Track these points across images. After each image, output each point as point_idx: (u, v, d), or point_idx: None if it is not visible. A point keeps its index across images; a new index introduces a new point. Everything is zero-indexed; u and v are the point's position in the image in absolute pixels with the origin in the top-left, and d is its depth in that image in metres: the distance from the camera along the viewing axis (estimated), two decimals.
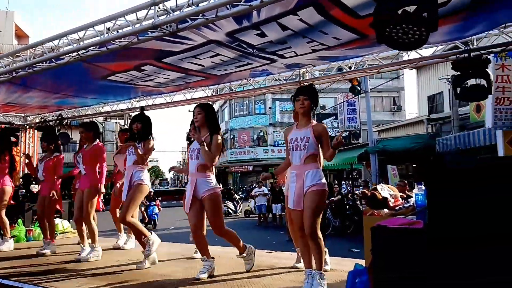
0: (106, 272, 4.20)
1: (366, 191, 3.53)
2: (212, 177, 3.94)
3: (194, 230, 3.86)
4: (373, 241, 2.33)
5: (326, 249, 3.90)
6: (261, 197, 15.91)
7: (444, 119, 15.72)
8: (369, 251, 3.20)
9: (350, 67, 5.31)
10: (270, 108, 35.51)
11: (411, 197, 3.36)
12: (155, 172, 76.75)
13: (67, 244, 5.97)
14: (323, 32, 3.80)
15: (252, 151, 36.69)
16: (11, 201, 5.94)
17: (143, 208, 13.13)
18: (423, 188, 2.82)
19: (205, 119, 3.91)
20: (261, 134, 37.05)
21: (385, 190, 3.40)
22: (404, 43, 2.86)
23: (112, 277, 4.00)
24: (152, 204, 13.73)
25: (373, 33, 3.74)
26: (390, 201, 3.31)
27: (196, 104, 4.16)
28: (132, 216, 4.40)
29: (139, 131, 4.49)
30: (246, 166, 37.36)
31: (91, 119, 7.50)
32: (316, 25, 3.63)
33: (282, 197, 14.82)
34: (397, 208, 3.26)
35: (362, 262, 3.57)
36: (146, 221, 13.04)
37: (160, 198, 16.45)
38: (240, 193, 34.42)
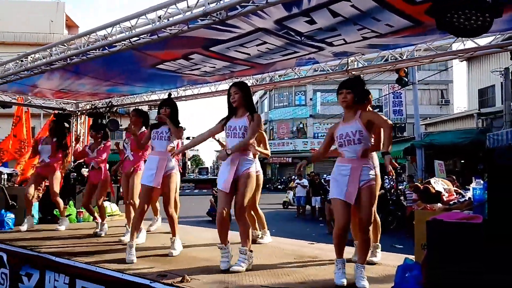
0: (152, 255, 4.34)
1: (419, 185, 3.40)
2: (253, 158, 3.87)
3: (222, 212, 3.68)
4: (429, 235, 2.25)
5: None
6: (301, 188, 15.84)
7: (495, 114, 14.96)
8: (420, 245, 3.12)
9: (401, 56, 5.12)
10: (310, 99, 35.14)
11: (467, 190, 3.21)
12: (196, 161, 78.36)
13: (115, 226, 6.21)
14: (376, 19, 3.67)
15: (291, 143, 36.56)
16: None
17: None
18: (482, 182, 2.69)
19: (243, 99, 3.80)
20: (301, 126, 36.79)
21: (439, 184, 3.26)
22: (466, 29, 2.71)
23: (158, 259, 4.12)
24: None
25: (428, 20, 3.60)
26: (444, 195, 3.18)
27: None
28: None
29: (169, 116, 4.41)
30: (285, 158, 37.30)
31: (137, 107, 7.71)
32: (368, 12, 3.51)
33: (321, 191, 14.75)
34: (451, 202, 3.12)
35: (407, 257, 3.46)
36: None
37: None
38: (278, 184, 34.50)
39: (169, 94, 4.96)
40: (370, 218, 3.23)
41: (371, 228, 3.30)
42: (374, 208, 3.36)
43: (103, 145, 5.86)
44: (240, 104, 3.80)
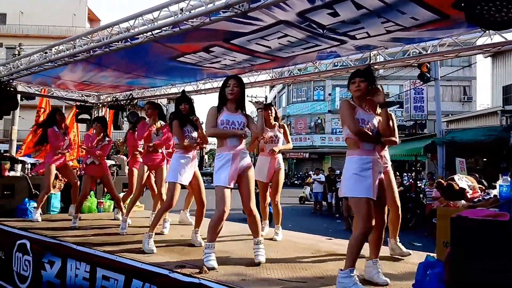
0: (172, 244, 4.39)
1: (442, 181, 3.33)
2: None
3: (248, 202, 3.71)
4: (453, 232, 2.20)
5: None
6: (318, 184, 15.78)
7: None
8: (442, 243, 3.06)
9: (425, 50, 5.00)
10: (329, 94, 34.82)
11: (492, 188, 3.13)
12: (213, 155, 78.70)
13: (136, 217, 6.29)
14: (401, 12, 3.60)
15: (308, 138, 36.37)
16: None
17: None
18: (509, 179, 2.61)
19: (240, 94, 3.73)
20: (319, 121, 36.53)
21: (463, 181, 3.18)
22: (497, 22, 2.62)
23: (177, 250, 4.16)
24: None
25: (455, 13, 3.50)
26: (468, 192, 3.10)
27: (231, 75, 3.94)
28: None
29: (189, 112, 4.42)
30: (302, 153, 37.14)
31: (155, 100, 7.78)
32: (394, 4, 3.44)
33: (333, 187, 14.71)
34: (475, 200, 3.04)
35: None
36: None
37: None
38: (295, 179, 34.40)
39: (183, 91, 4.98)
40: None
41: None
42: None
43: (107, 142, 5.94)
44: (236, 98, 3.74)
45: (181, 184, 4.29)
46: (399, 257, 4.03)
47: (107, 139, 5.97)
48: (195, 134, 4.43)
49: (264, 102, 3.91)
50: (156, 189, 5.56)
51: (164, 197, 4.88)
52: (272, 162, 4.87)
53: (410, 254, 4.05)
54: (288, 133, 5.11)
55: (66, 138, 6.07)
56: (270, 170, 4.88)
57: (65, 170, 6.21)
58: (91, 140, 5.79)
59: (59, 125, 6.01)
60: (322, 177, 15.93)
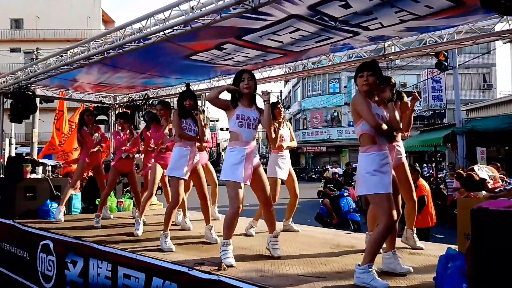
0: (191, 242, 4.43)
1: (462, 172, 3.26)
2: None
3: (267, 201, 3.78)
4: (473, 224, 2.15)
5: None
6: None
7: None
8: (463, 235, 3.00)
9: (441, 38, 4.89)
10: (345, 87, 34.51)
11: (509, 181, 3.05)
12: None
13: (153, 215, 6.37)
14: (415, 0, 3.52)
15: (325, 132, 36.19)
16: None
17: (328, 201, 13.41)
18: None
19: (254, 89, 3.73)
20: (335, 114, 36.29)
21: (483, 171, 3.11)
22: None
23: (196, 247, 4.19)
24: None
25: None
26: (489, 182, 3.03)
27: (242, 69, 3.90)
28: None
29: (192, 108, 4.41)
30: (319, 147, 36.97)
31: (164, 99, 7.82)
32: None
33: (350, 181, 14.61)
34: (496, 190, 2.97)
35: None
36: None
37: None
38: (312, 174, 34.28)
39: (188, 85, 4.95)
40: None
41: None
42: None
43: (135, 136, 6.04)
44: (251, 92, 3.70)
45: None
46: (410, 248, 4.04)
47: (134, 132, 6.06)
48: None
49: (271, 92, 3.83)
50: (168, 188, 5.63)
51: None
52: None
53: (422, 248, 4.01)
54: (292, 130, 5.22)
55: (96, 136, 6.19)
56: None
57: (98, 171, 6.33)
58: (120, 137, 5.92)
59: (87, 125, 6.17)
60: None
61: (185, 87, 4.72)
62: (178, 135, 4.33)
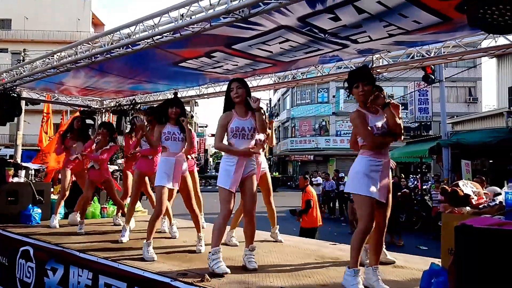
0: (175, 252, 4.36)
1: (446, 187, 3.28)
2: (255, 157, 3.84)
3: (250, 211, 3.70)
4: (457, 241, 2.15)
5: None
6: (315, 187, 15.72)
7: None
8: (447, 250, 3.01)
9: (429, 53, 4.96)
10: (333, 96, 34.76)
11: (498, 194, 3.07)
12: (218, 158, 78.82)
13: (137, 221, 6.27)
14: (403, 15, 3.56)
15: (313, 140, 36.33)
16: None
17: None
18: None
19: (245, 96, 3.65)
20: (323, 123, 36.49)
21: (467, 187, 3.14)
22: (500, 26, 2.58)
23: (179, 257, 4.13)
24: None
25: (458, 16, 3.47)
26: (473, 198, 3.05)
27: (233, 78, 3.87)
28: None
29: (179, 116, 4.29)
30: (307, 155, 37.08)
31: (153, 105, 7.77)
32: (395, 8, 3.41)
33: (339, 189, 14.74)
34: (481, 206, 2.99)
35: (433, 261, 3.37)
36: None
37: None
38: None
39: (176, 93, 4.93)
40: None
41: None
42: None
43: (109, 147, 5.83)
44: (243, 100, 3.65)
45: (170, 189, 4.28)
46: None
47: (110, 144, 5.91)
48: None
49: (260, 99, 3.81)
50: (152, 195, 5.57)
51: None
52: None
53: (394, 262, 3.93)
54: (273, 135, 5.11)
55: (77, 144, 6.09)
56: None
57: (80, 177, 6.24)
58: (88, 145, 5.81)
59: (73, 131, 6.15)
60: (318, 179, 15.89)
61: (173, 95, 4.67)
62: (154, 145, 4.38)
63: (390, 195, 3.16)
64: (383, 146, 3.14)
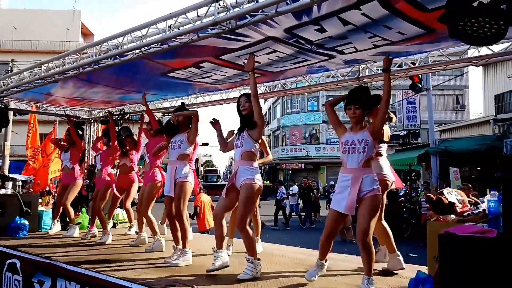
0: (162, 263, 4.33)
1: (431, 195, 3.33)
2: (255, 168, 3.85)
3: (216, 214, 3.89)
4: (441, 249, 2.18)
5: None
6: (291, 197, 15.80)
7: None
8: (433, 258, 3.05)
9: (413, 63, 5.04)
10: (323, 105, 34.87)
11: (481, 202, 3.12)
12: (208, 166, 78.62)
13: (121, 233, 6.24)
14: (387, 27, 3.63)
15: (303, 149, 36.45)
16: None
17: None
18: (497, 194, 2.61)
19: (252, 109, 3.92)
20: (314, 131, 36.66)
21: (452, 195, 3.19)
22: (480, 37, 2.65)
23: (168, 268, 4.10)
24: None
25: (441, 27, 3.54)
26: (457, 206, 3.10)
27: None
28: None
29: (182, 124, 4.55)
30: (298, 164, 37.16)
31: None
32: (379, 20, 3.47)
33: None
34: (465, 214, 3.04)
35: (421, 268, 3.40)
36: None
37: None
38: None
39: (183, 104, 5.04)
40: (366, 230, 3.17)
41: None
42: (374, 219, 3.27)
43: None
44: (250, 112, 3.93)
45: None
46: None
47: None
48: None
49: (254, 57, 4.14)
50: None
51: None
52: None
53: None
54: (267, 146, 5.13)
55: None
56: None
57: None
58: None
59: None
60: (295, 189, 16.00)
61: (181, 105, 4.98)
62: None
63: (367, 207, 3.23)
64: (349, 163, 3.36)
